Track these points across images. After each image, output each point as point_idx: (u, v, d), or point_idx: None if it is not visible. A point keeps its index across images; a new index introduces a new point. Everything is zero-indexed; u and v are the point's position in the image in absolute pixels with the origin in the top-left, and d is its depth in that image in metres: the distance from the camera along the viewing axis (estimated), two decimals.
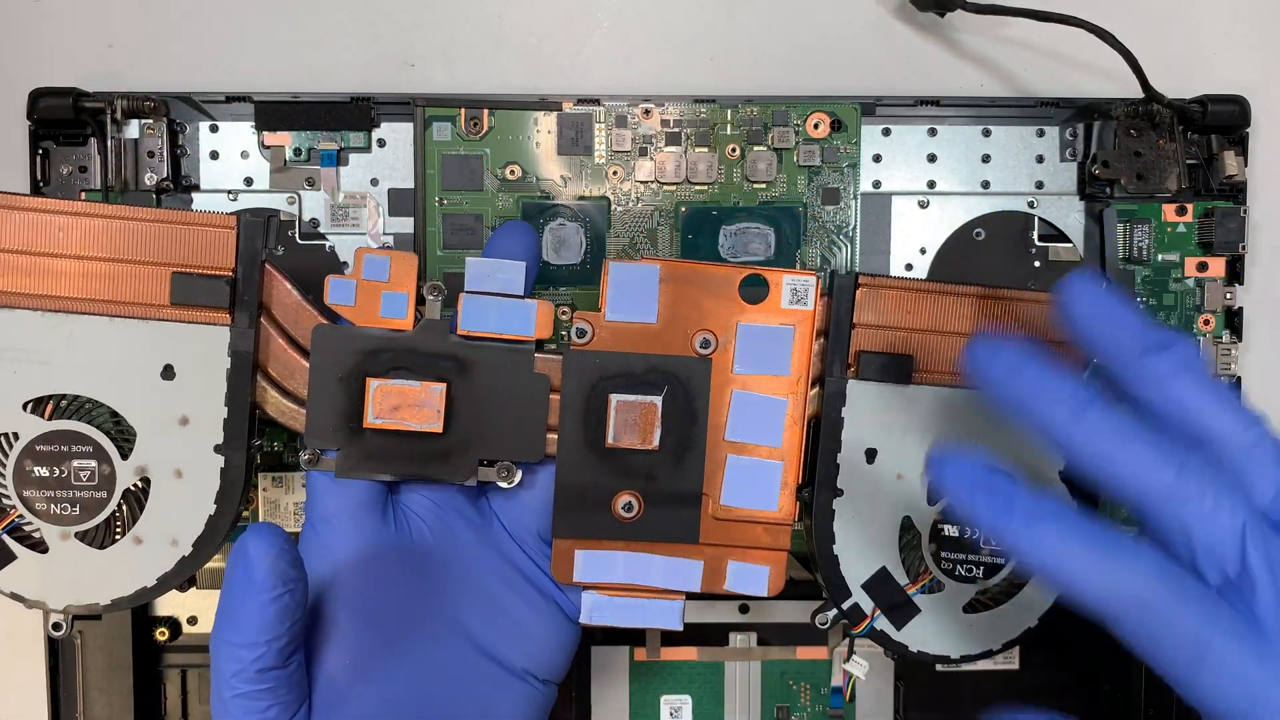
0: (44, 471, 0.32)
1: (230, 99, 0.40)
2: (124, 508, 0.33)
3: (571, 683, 0.42)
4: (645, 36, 0.42)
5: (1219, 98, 0.40)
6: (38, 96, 0.39)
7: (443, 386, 0.32)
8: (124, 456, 0.32)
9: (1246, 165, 0.41)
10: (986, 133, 0.41)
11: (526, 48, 0.42)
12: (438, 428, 0.32)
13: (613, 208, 0.40)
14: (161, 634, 0.41)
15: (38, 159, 0.40)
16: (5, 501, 0.32)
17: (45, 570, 0.33)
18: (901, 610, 0.33)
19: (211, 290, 0.32)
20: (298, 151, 0.40)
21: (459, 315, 0.33)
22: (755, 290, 0.33)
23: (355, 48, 0.42)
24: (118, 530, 0.33)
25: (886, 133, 0.41)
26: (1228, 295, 0.41)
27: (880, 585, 0.33)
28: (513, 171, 0.40)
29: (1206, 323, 0.41)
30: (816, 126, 0.40)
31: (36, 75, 0.41)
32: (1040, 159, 0.41)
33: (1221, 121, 0.40)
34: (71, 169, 0.40)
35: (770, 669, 0.42)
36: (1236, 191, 0.41)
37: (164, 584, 0.33)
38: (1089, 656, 0.42)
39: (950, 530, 0.33)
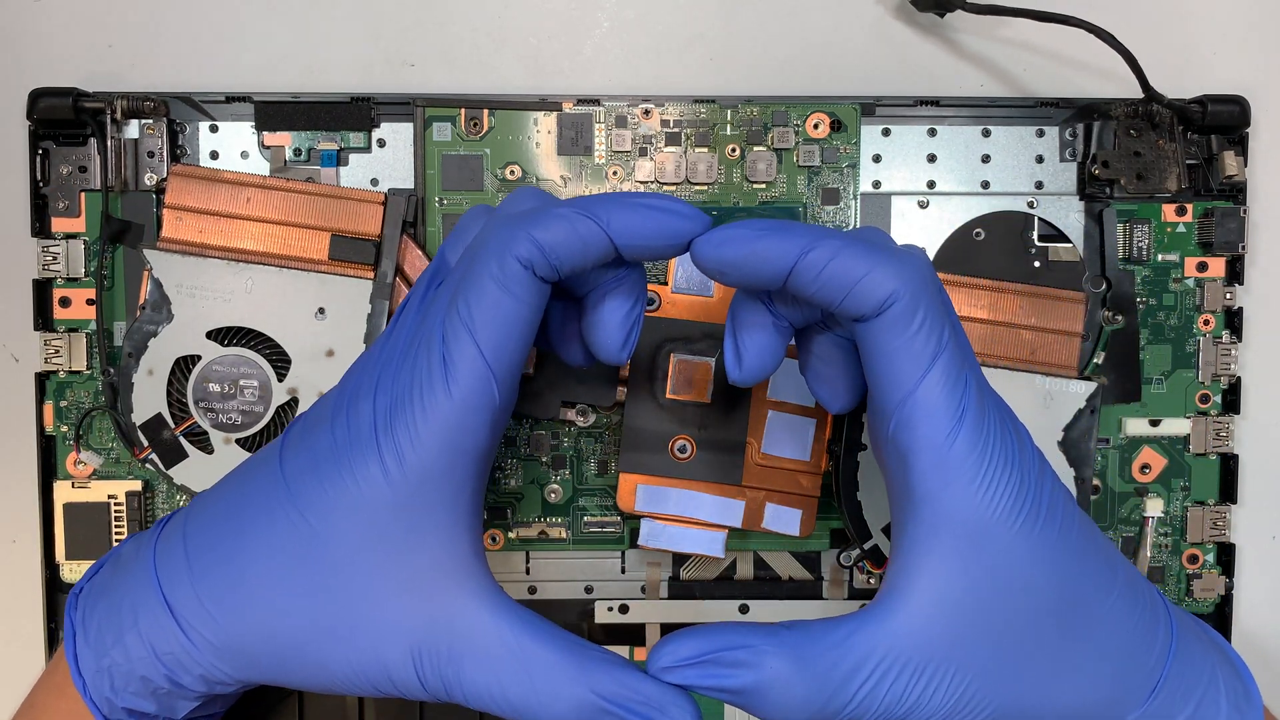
0: (217, 388, 0.39)
1: (230, 99, 0.40)
2: (276, 420, 0.39)
3: None
4: (645, 37, 0.42)
5: (1219, 98, 0.40)
6: (38, 96, 0.39)
7: None
8: (280, 379, 0.39)
9: (1246, 165, 0.41)
10: (986, 133, 0.41)
11: (526, 48, 0.42)
12: (529, 372, 0.39)
13: None
14: None
15: (38, 159, 0.40)
16: (184, 410, 0.39)
17: (209, 468, 0.39)
18: None
19: (361, 250, 0.39)
20: (298, 152, 0.40)
21: None
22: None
23: (355, 48, 0.42)
24: (268, 440, 0.39)
25: (886, 133, 0.41)
26: (1227, 295, 0.41)
27: None
28: (513, 171, 0.40)
29: (1206, 323, 0.41)
30: (816, 127, 0.40)
31: (36, 75, 0.41)
32: (1040, 159, 0.41)
33: (1221, 121, 0.40)
34: (71, 169, 0.40)
35: None
36: (1236, 191, 0.41)
37: None
38: None
39: None
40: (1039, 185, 0.41)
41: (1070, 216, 0.41)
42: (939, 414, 0.28)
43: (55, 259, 0.40)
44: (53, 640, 0.40)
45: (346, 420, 0.29)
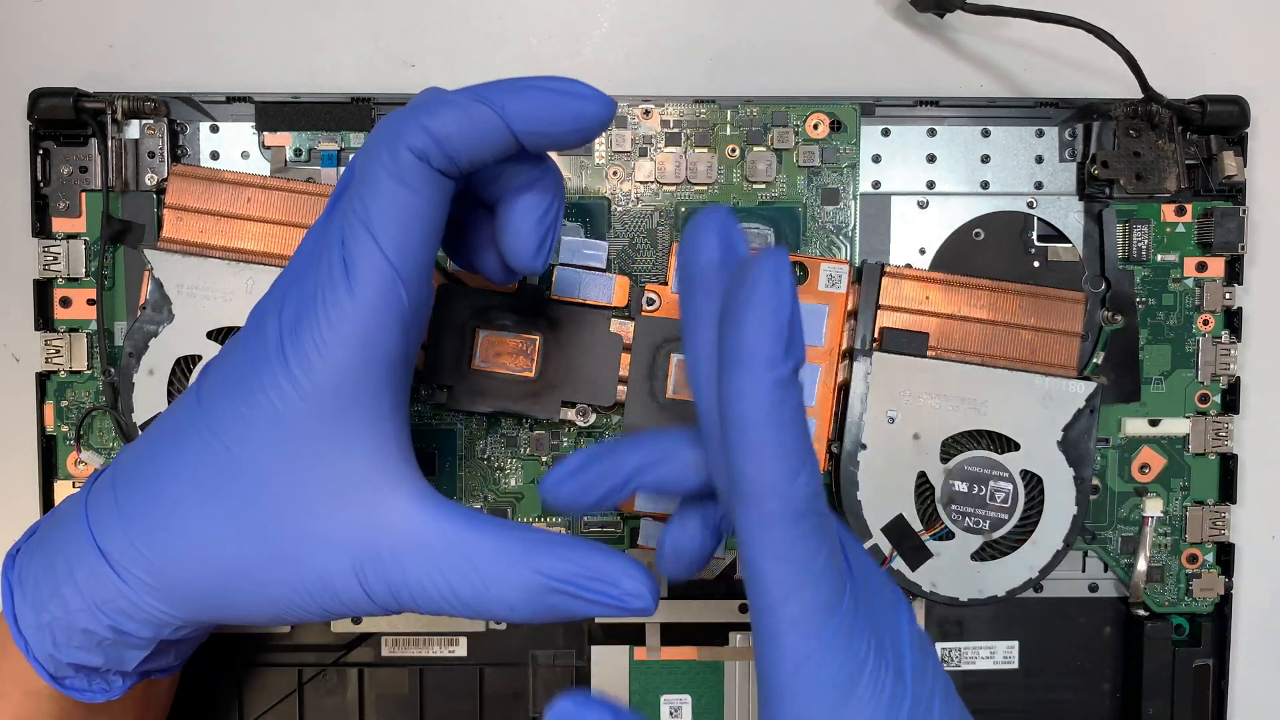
0: None
1: (230, 99, 0.40)
2: None
3: (571, 681, 0.42)
4: (645, 37, 0.42)
5: (1218, 98, 0.40)
6: (38, 97, 0.39)
7: (536, 339, 0.39)
8: None
9: (1245, 165, 0.41)
10: (986, 133, 0.41)
11: (526, 48, 0.42)
12: (530, 373, 0.39)
13: (612, 208, 0.40)
14: None
15: (38, 159, 0.40)
16: None
17: None
18: (916, 553, 0.38)
19: None
20: (298, 152, 0.40)
21: (553, 283, 0.39)
22: (797, 274, 0.38)
23: (355, 48, 0.42)
24: None
25: (886, 133, 0.41)
26: (1227, 295, 0.41)
27: (897, 530, 0.38)
28: None
29: (1206, 323, 0.41)
30: (816, 127, 0.40)
31: (37, 75, 0.41)
32: (1039, 159, 0.41)
33: (1221, 122, 0.40)
34: (72, 169, 0.40)
35: None
36: (1235, 192, 0.41)
37: None
38: (1088, 656, 0.42)
39: (960, 486, 0.38)
40: (1038, 185, 0.41)
41: (1070, 216, 0.41)
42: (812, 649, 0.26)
43: (56, 259, 0.40)
44: None
45: (257, 337, 0.28)
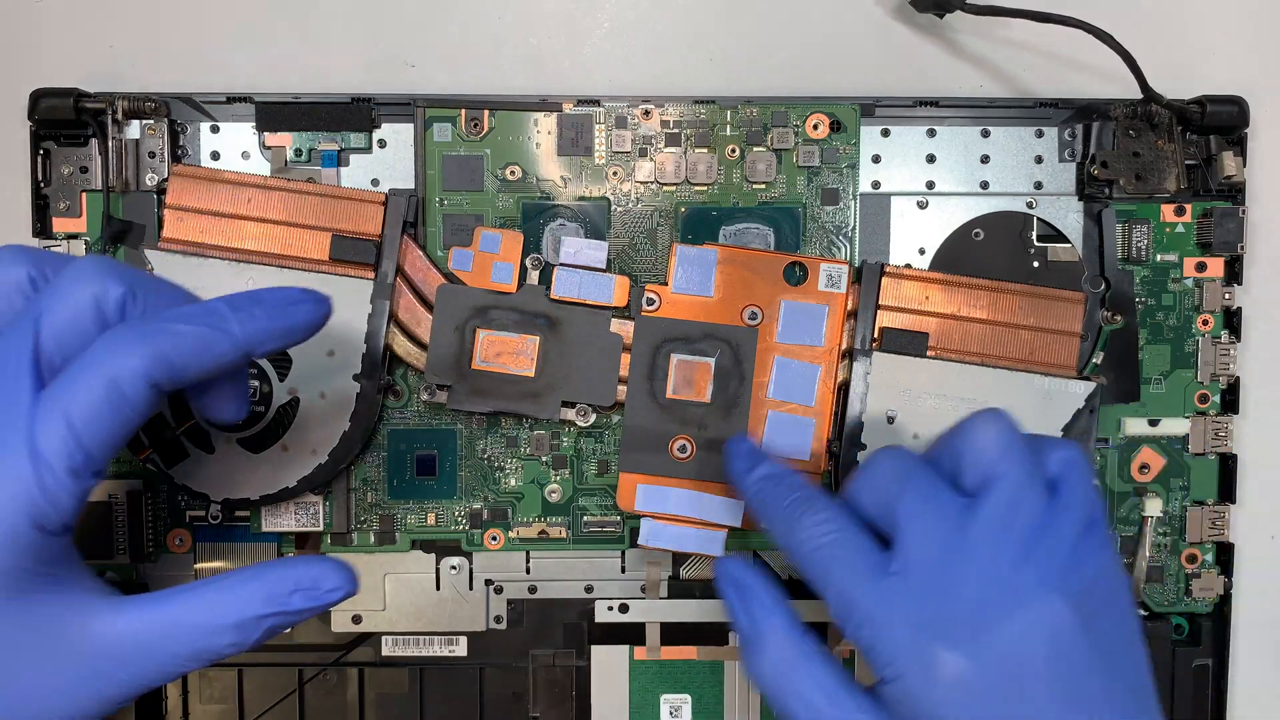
0: None
1: (231, 99, 0.40)
2: (277, 420, 0.39)
3: (571, 680, 0.42)
4: (645, 37, 0.42)
5: (1217, 98, 0.40)
6: (39, 97, 0.39)
7: (536, 339, 0.39)
8: (280, 379, 0.39)
9: (1245, 166, 0.41)
10: (985, 133, 0.41)
11: (527, 48, 0.42)
12: (530, 373, 0.39)
13: (613, 208, 0.40)
14: None
15: (39, 159, 0.40)
16: (185, 410, 0.39)
17: (209, 468, 0.39)
18: None
19: (362, 250, 0.39)
20: (299, 152, 0.40)
21: (553, 283, 0.39)
22: (797, 274, 0.39)
23: (355, 48, 0.42)
24: (270, 439, 0.39)
25: (885, 133, 0.41)
26: (1226, 295, 0.41)
27: None
28: (513, 172, 0.40)
29: (1205, 323, 0.41)
30: (816, 127, 0.40)
31: (37, 75, 0.41)
32: (1039, 159, 0.41)
33: (1220, 122, 0.40)
34: (72, 169, 0.40)
35: None
36: (1235, 192, 0.41)
37: (303, 486, 0.39)
38: None
39: None
40: (1038, 185, 0.41)
41: (1069, 217, 0.41)
42: None
43: None
44: None
45: None
